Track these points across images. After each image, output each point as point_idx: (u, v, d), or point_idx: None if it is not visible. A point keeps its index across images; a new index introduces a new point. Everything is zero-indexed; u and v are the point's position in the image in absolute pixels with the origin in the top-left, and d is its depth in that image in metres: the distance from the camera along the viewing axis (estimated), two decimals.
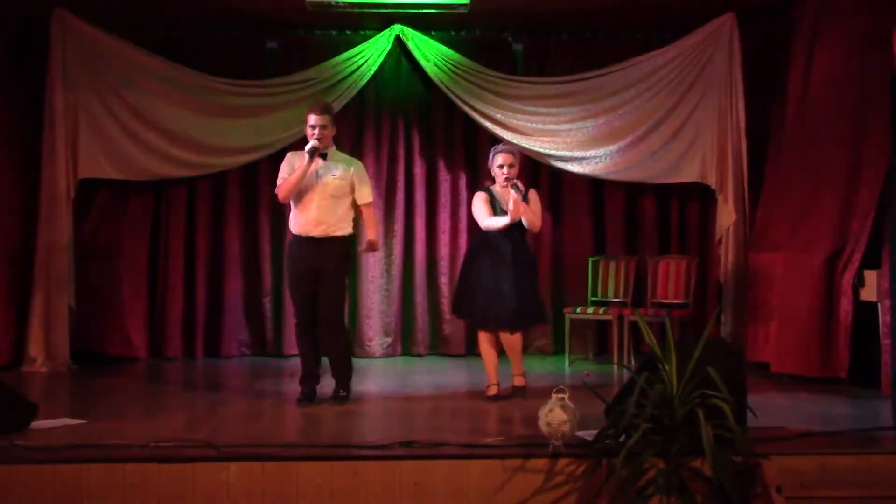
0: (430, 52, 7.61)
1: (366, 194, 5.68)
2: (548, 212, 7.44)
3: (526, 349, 6.66)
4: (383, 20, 7.53)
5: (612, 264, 7.62)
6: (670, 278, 7.36)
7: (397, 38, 7.63)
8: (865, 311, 5.82)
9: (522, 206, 5.58)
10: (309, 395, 5.54)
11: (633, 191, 7.94)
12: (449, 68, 7.57)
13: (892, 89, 4.81)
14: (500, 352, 5.78)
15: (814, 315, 6.09)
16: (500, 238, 5.63)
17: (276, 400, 5.79)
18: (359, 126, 7.89)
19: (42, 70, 7.11)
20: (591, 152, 7.52)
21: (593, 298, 7.62)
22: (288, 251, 5.80)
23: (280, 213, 7.50)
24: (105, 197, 7.59)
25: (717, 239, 7.40)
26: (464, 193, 7.92)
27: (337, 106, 7.14)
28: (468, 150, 7.98)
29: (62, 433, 4.53)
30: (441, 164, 7.98)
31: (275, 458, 4.07)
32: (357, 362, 7.31)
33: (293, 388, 5.82)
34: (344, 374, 5.64)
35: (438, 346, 7.94)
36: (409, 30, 7.61)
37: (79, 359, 7.16)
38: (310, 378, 5.61)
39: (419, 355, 7.89)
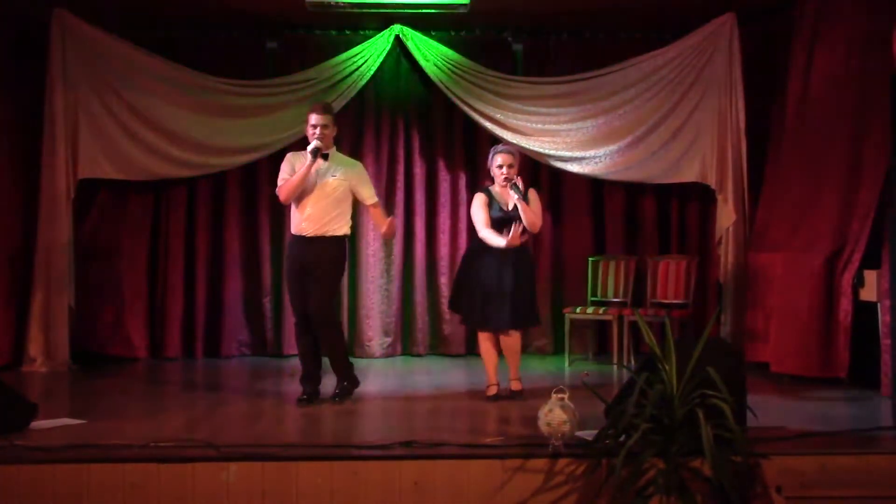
0: (429, 53, 7.61)
1: (370, 195, 5.70)
2: (548, 212, 7.43)
3: (525, 349, 6.66)
4: (383, 20, 7.53)
5: (612, 264, 7.62)
6: (670, 278, 7.35)
7: (397, 38, 7.63)
8: (865, 311, 5.82)
9: (522, 205, 5.57)
10: (309, 396, 5.54)
11: (633, 191, 7.94)
12: (449, 68, 7.57)
13: (892, 89, 4.81)
14: (500, 353, 5.78)
15: (814, 315, 6.09)
16: (504, 233, 5.61)
17: (276, 400, 5.79)
18: (359, 126, 7.90)
19: (42, 70, 7.11)
20: (591, 152, 7.52)
21: (593, 298, 7.61)
22: (286, 251, 5.83)
23: (280, 213, 7.50)
24: (105, 197, 7.59)
25: (717, 239, 7.40)
26: (463, 193, 7.92)
27: (337, 106, 7.14)
28: (468, 150, 7.98)
29: (62, 433, 4.53)
30: (441, 165, 7.98)
31: (275, 458, 4.07)
32: (357, 362, 7.28)
33: (293, 388, 5.82)
34: (342, 371, 5.65)
35: (438, 346, 7.94)
36: (409, 30, 7.61)
37: (79, 359, 7.16)
38: (310, 378, 5.61)
39: (419, 355, 7.89)
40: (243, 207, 7.87)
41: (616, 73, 7.51)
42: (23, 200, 7.23)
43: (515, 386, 5.73)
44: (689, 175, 7.43)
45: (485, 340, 5.74)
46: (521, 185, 5.67)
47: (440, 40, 7.66)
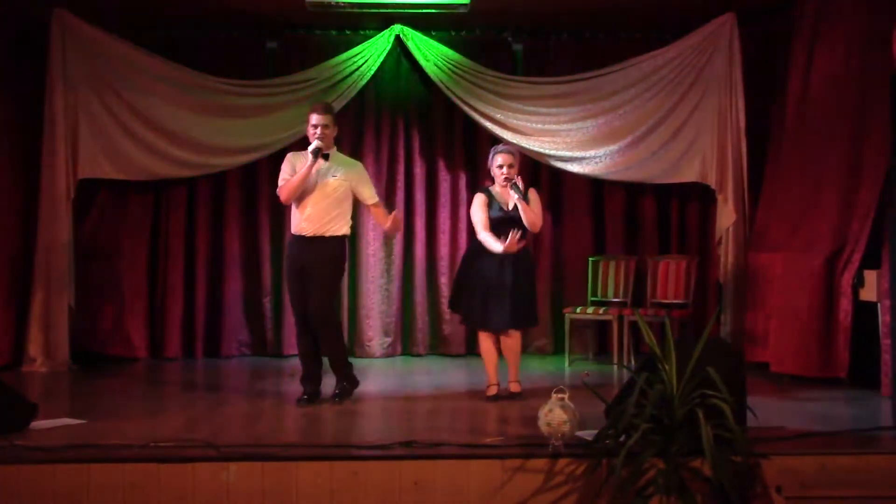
0: (430, 52, 7.61)
1: (371, 195, 5.70)
2: (548, 212, 7.43)
3: (525, 349, 6.66)
4: (383, 20, 7.53)
5: (612, 264, 7.62)
6: (670, 278, 7.35)
7: (397, 38, 7.63)
8: (865, 311, 5.82)
9: (522, 205, 5.58)
10: (309, 396, 5.54)
11: (633, 191, 7.94)
12: (449, 68, 7.57)
13: (892, 89, 4.80)
14: (500, 354, 5.78)
15: (813, 315, 6.08)
16: (502, 239, 5.62)
17: (276, 400, 5.79)
18: (359, 126, 7.90)
19: (42, 70, 7.11)
20: (591, 152, 7.52)
21: (593, 298, 7.61)
22: (286, 251, 5.83)
23: (280, 213, 7.50)
24: (105, 197, 7.59)
25: (717, 239, 7.40)
26: (463, 193, 7.92)
27: (337, 106, 7.14)
28: (468, 150, 7.98)
29: (62, 433, 4.53)
30: (441, 164, 7.98)
31: (275, 458, 4.07)
32: (357, 362, 7.29)
33: (293, 388, 5.82)
34: (341, 372, 5.64)
35: (438, 346, 7.94)
36: (409, 30, 7.61)
37: (79, 359, 7.16)
38: (310, 378, 5.61)
39: (419, 355, 7.89)
40: (243, 207, 7.87)
41: (616, 73, 7.51)
42: (23, 200, 7.23)
43: (514, 388, 5.73)
44: (689, 175, 7.43)
45: (485, 340, 5.74)
46: (521, 185, 5.67)
47: (440, 40, 7.66)
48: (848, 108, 6.24)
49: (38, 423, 4.71)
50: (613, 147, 7.48)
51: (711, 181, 7.33)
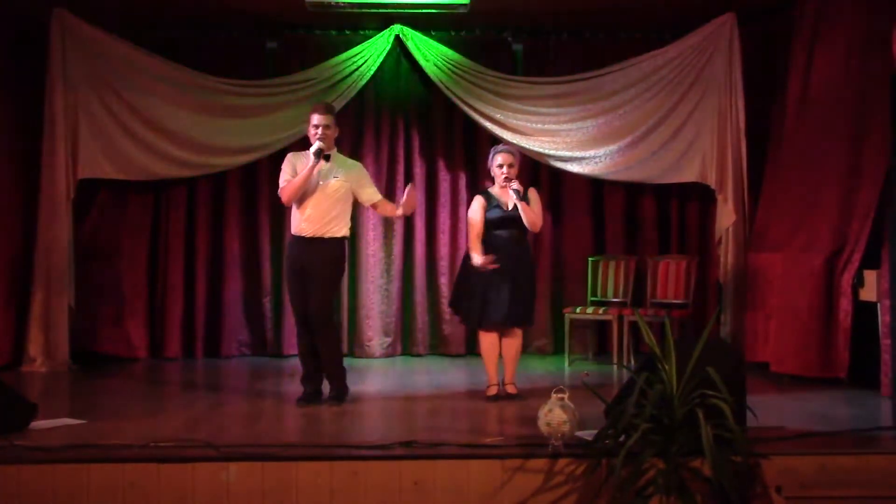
0: (429, 53, 7.61)
1: (373, 193, 5.70)
2: (548, 212, 7.42)
3: (526, 349, 6.64)
4: (383, 20, 7.53)
5: (612, 264, 7.62)
6: (670, 278, 7.36)
7: (397, 38, 7.63)
8: (865, 311, 5.82)
9: (522, 205, 5.58)
10: (309, 396, 5.53)
11: (633, 191, 7.94)
12: (449, 68, 7.57)
13: (892, 89, 4.81)
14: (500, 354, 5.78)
15: (813, 315, 6.08)
16: (502, 238, 5.63)
17: (276, 400, 5.79)
18: (359, 126, 7.90)
19: (42, 70, 7.11)
20: (591, 152, 7.52)
21: (593, 298, 7.62)
22: (286, 251, 5.83)
23: (280, 213, 7.50)
24: (105, 197, 7.59)
25: (717, 239, 7.40)
26: (463, 193, 7.92)
27: (337, 106, 7.13)
28: (468, 150, 7.98)
29: (62, 433, 4.53)
30: (441, 164, 7.98)
31: (275, 458, 4.06)
32: (357, 362, 7.35)
33: (293, 388, 5.82)
34: (334, 375, 5.61)
35: (438, 346, 7.94)
36: (409, 30, 7.61)
37: (79, 359, 7.16)
38: (310, 378, 5.60)
39: (419, 355, 7.88)
40: (243, 207, 7.87)
41: (616, 73, 7.51)
42: (23, 200, 7.23)
43: (511, 389, 5.70)
44: (689, 175, 7.43)
45: (485, 340, 5.73)
46: (520, 189, 5.65)
47: (440, 40, 7.66)
48: (848, 108, 6.23)
49: (38, 423, 4.71)
50: (613, 147, 7.48)
51: (711, 181, 7.33)
